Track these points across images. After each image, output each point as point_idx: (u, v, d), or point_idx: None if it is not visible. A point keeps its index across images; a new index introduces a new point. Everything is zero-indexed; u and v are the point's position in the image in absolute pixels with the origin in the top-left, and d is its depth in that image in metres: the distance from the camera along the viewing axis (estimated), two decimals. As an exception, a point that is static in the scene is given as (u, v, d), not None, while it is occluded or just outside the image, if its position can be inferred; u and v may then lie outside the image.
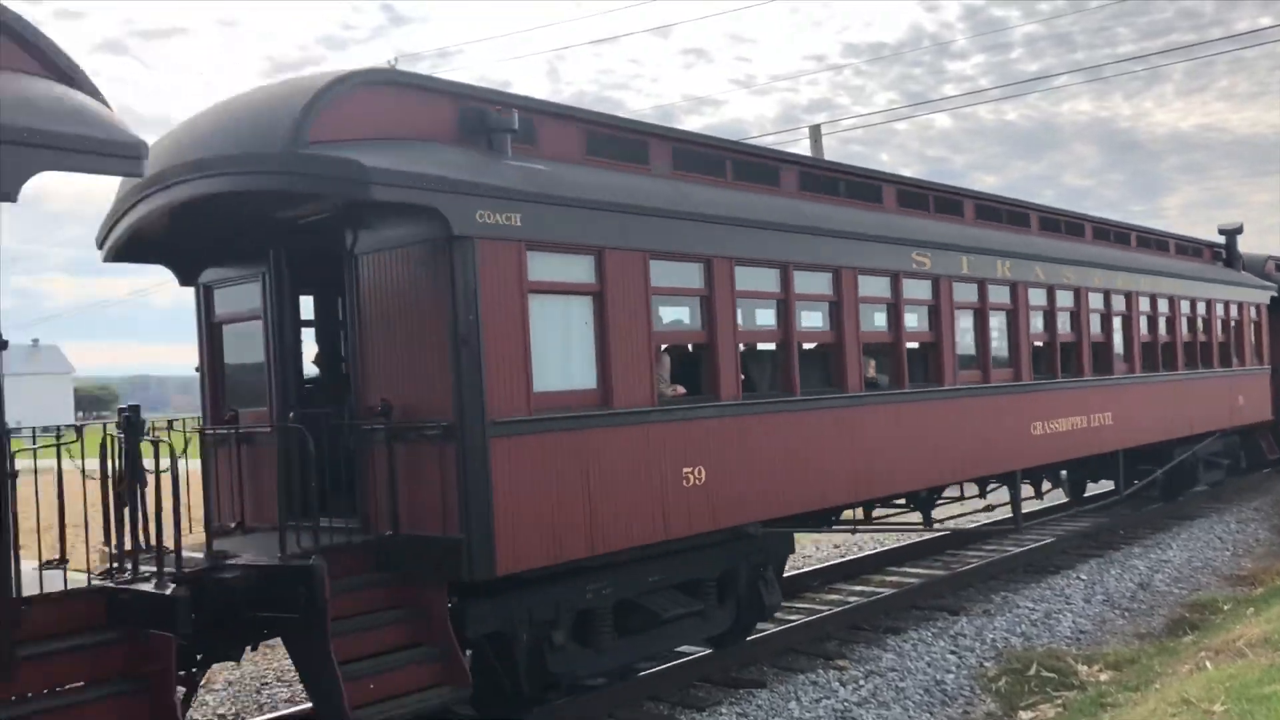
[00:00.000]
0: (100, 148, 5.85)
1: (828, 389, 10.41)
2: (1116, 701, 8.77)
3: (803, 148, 28.34)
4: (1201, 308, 18.47)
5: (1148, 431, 16.26)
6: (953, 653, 10.49)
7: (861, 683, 9.44)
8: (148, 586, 6.38)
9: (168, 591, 6.25)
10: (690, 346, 9.76)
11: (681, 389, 9.17)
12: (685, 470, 8.68)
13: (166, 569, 6.52)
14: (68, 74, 6.33)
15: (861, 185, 11.66)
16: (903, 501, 12.58)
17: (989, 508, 15.21)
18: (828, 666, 9.84)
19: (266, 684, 10.05)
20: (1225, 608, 12.18)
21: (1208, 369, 18.52)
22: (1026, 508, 14.58)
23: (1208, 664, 9.13)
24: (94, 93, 6.37)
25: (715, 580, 9.46)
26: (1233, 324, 19.75)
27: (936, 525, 13.34)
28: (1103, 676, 9.83)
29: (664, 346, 9.21)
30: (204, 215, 7.78)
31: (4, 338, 5.91)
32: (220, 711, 9.35)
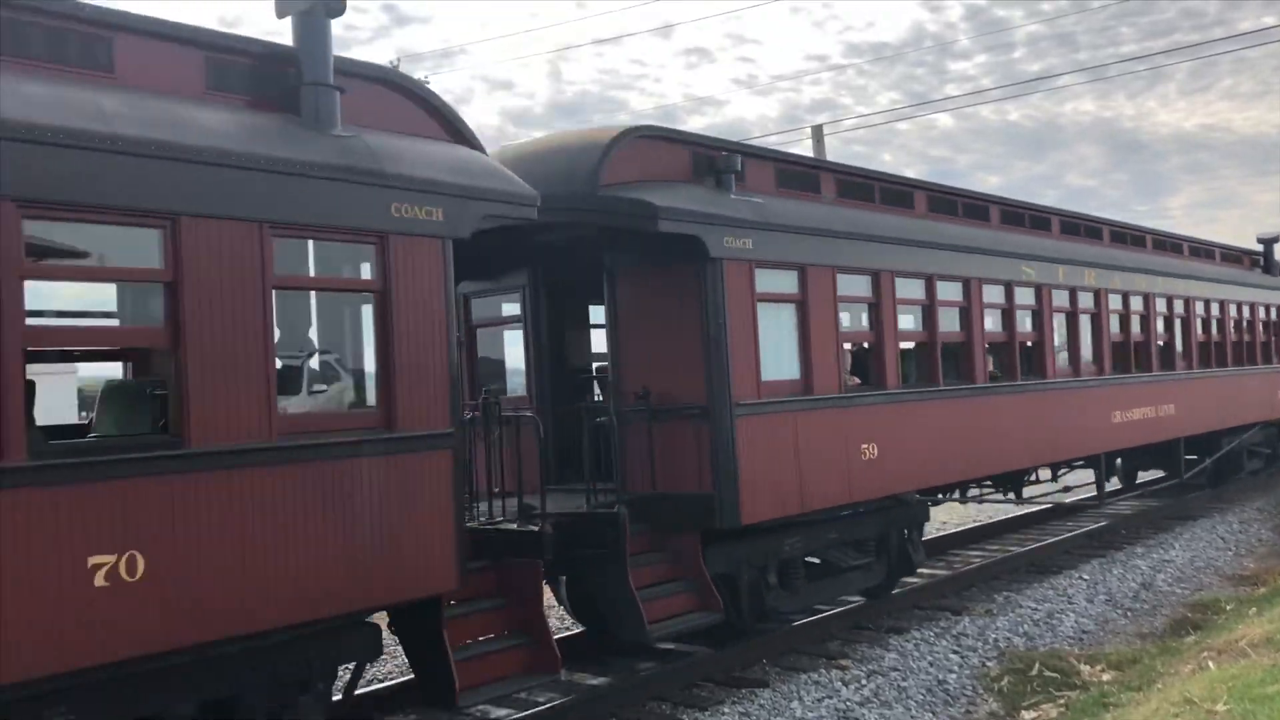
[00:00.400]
0: (511, 198, 7.66)
1: (962, 381, 12.34)
2: (1119, 701, 8.77)
3: (805, 147, 28.38)
4: (1246, 310, 20.59)
5: (1204, 421, 18.24)
6: (955, 652, 10.49)
7: (864, 682, 9.45)
8: (512, 526, 8.28)
9: (537, 529, 8.07)
10: (864, 344, 11.62)
11: (857, 380, 11.15)
12: (863, 446, 10.51)
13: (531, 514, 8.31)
14: (466, 137, 7.96)
15: (974, 206, 13.47)
16: (989, 483, 14.20)
17: (1065, 489, 17.13)
18: (830, 666, 9.85)
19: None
20: (1228, 608, 12.17)
21: (1252, 366, 20.59)
22: (1079, 494, 17.71)
23: (1210, 664, 9.13)
24: (482, 148, 8.04)
25: (875, 540, 11.30)
26: (1273, 325, 21.96)
27: (1027, 500, 15.42)
28: (1105, 676, 9.83)
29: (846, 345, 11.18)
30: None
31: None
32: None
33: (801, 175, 10.96)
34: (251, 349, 6.17)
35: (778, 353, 9.83)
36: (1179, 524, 17.58)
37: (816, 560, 10.90)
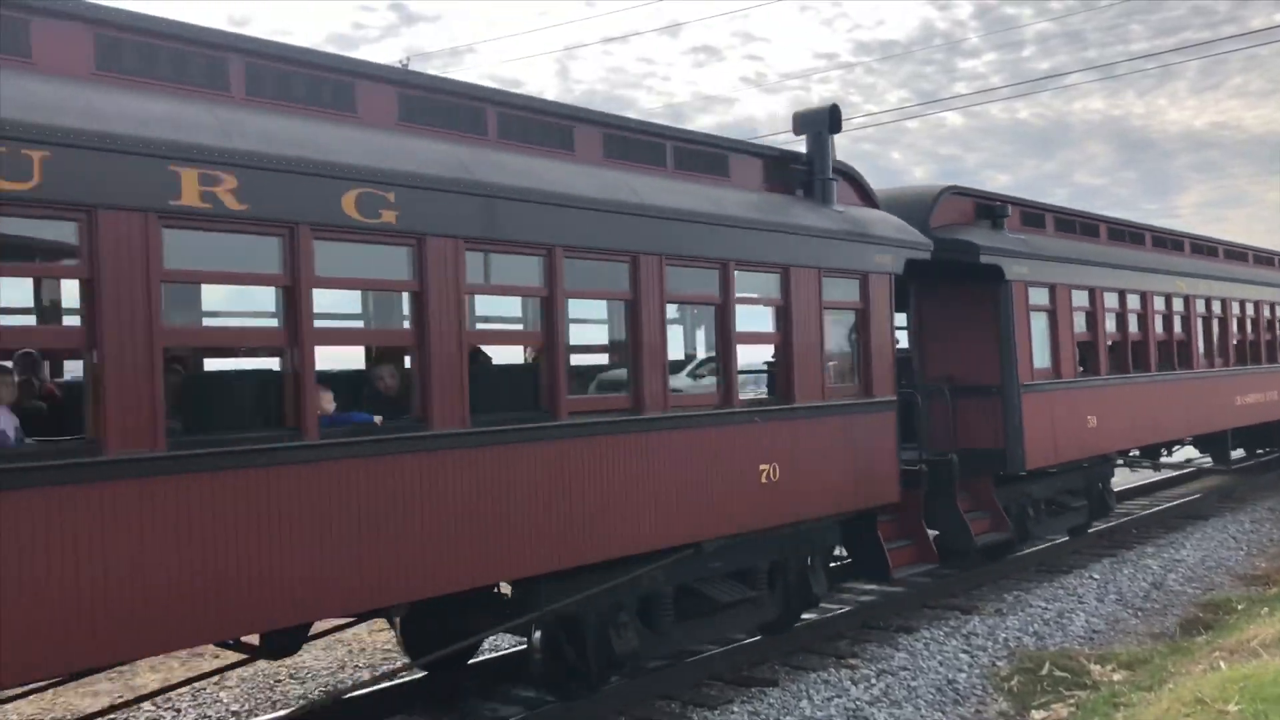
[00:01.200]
0: (919, 246, 11.33)
1: (1142, 370, 15.88)
2: (1130, 701, 8.73)
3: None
4: None
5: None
6: (965, 652, 10.47)
7: (873, 681, 9.43)
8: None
9: (919, 468, 11.66)
10: (1085, 342, 14.90)
11: (1080, 369, 14.35)
12: (1088, 417, 14.11)
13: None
14: (875, 201, 11.58)
15: (1134, 234, 17.02)
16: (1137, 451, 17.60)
17: (1187, 460, 20.92)
18: (839, 665, 9.84)
19: (280, 681, 10.09)
20: (1239, 607, 12.12)
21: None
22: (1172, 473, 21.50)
23: (1221, 664, 9.09)
24: (880, 206, 11.60)
25: (1085, 486, 15.00)
26: None
27: (1164, 465, 19.43)
28: (1116, 676, 9.79)
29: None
30: None
31: None
32: (234, 709, 9.39)
33: (1034, 215, 14.54)
34: (815, 347, 9.98)
35: (1040, 348, 13.34)
36: (1190, 523, 17.52)
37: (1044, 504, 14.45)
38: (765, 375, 11.12)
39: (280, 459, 6.13)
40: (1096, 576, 13.62)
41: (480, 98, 7.85)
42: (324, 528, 6.27)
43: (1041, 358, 13.35)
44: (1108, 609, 12.45)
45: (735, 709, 8.70)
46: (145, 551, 5.54)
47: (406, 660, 9.12)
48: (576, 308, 8.45)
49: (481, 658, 10.13)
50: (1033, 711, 9.15)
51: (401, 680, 9.46)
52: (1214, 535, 16.63)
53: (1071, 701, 9.21)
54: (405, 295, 7.44)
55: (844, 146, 46.46)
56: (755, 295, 9.57)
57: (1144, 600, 12.98)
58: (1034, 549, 14.57)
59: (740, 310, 9.22)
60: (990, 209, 13.27)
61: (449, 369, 6.92)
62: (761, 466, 9.22)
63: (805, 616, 10.77)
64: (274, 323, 6.81)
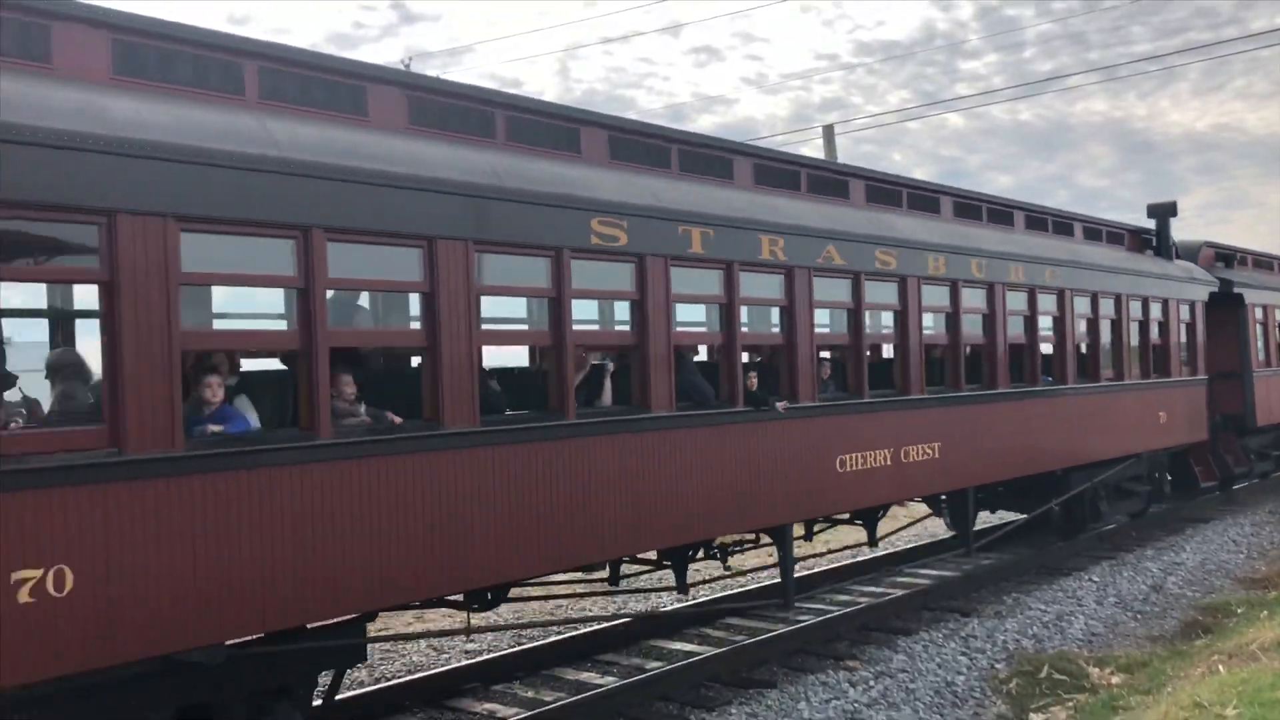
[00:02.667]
0: (1210, 282, 18.41)
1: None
2: (1128, 704, 8.72)
3: (816, 147, 28.36)
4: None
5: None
6: (964, 654, 10.46)
7: (871, 684, 9.42)
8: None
9: (1215, 419, 18.59)
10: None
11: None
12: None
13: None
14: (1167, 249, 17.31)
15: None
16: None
17: None
18: (838, 667, 9.83)
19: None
20: (1239, 611, 12.10)
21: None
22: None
23: (1220, 667, 9.08)
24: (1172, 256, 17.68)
25: (1275, 441, 21.10)
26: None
27: None
28: (1114, 679, 9.78)
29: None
30: None
31: None
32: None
33: (1230, 255, 19.90)
34: (1175, 345, 16.98)
35: (1261, 347, 19.76)
36: (1190, 526, 17.52)
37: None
38: (1152, 358, 16.35)
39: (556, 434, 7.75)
40: (1096, 579, 13.60)
41: (670, 138, 9.37)
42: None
43: (1261, 353, 19.89)
44: (1107, 612, 12.43)
45: (733, 710, 8.69)
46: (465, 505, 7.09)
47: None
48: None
49: (478, 659, 10.12)
50: (1031, 714, 9.13)
51: (398, 681, 9.46)
52: (1214, 538, 16.61)
53: (1070, 705, 9.19)
54: (628, 303, 8.62)
55: (845, 148, 46.27)
56: (1138, 316, 15.81)
57: (1143, 603, 12.97)
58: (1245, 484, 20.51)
59: (1133, 325, 15.67)
60: (1227, 258, 19.73)
61: (663, 361, 8.49)
62: (1160, 412, 16.20)
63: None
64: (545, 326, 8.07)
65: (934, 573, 13.62)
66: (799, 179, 10.55)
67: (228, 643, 6.08)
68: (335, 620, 6.76)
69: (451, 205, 6.97)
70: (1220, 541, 16.45)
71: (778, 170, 10.42)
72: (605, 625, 10.80)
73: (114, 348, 5.50)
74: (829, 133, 28.55)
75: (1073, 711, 9.02)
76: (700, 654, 10.01)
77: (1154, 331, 16.07)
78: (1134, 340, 15.64)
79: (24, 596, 5.07)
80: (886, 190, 11.68)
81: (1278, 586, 13.48)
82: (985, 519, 15.27)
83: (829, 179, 11.07)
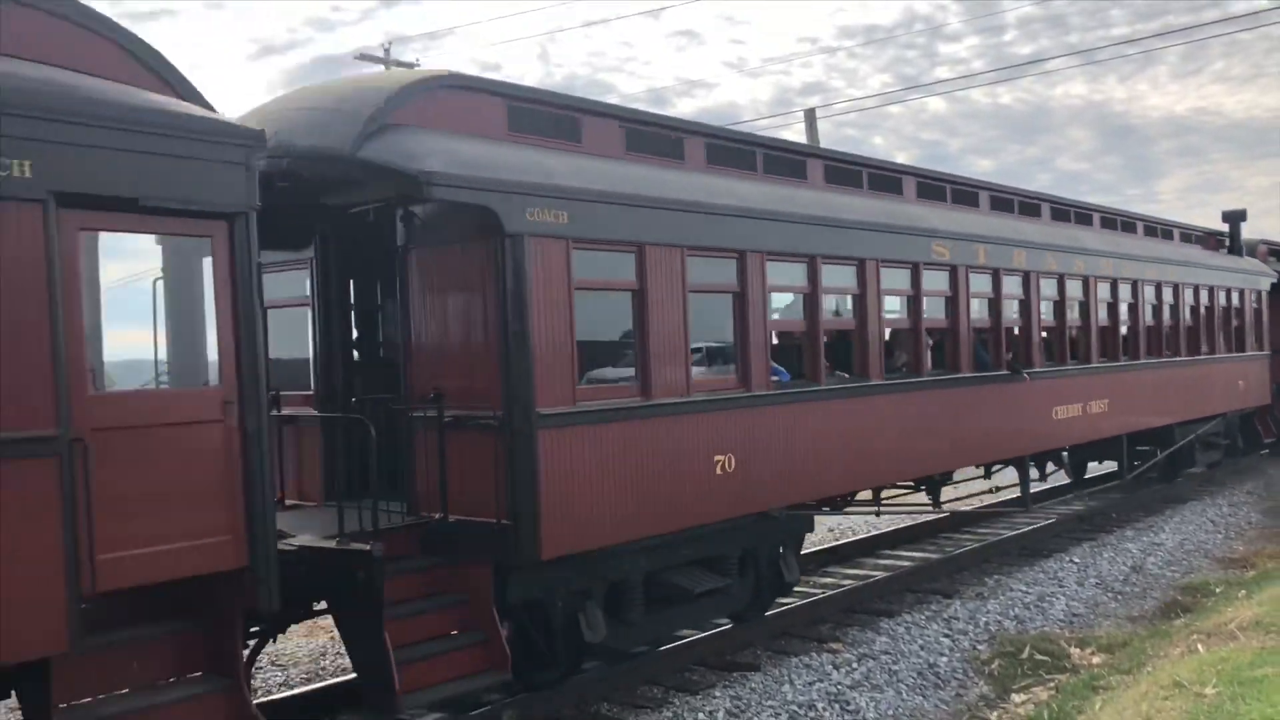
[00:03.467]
0: (1271, 274, 22.42)
1: None
2: (1109, 684, 8.80)
3: (798, 131, 28.36)
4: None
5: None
6: (946, 636, 10.52)
7: (855, 665, 9.47)
8: None
9: (1275, 386, 22.52)
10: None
11: None
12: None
13: None
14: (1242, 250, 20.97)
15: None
16: None
17: None
18: (821, 649, 9.87)
19: (260, 668, 10.05)
20: (1217, 590, 12.22)
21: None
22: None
23: (1199, 647, 9.16)
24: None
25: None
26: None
27: None
28: (1095, 659, 9.86)
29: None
30: None
31: None
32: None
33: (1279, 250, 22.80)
34: (1250, 326, 21.18)
35: None
36: (1169, 507, 17.66)
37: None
38: (1232, 337, 19.98)
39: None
40: (1077, 560, 13.70)
41: (901, 170, 12.47)
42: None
43: None
44: (1088, 593, 12.53)
45: (717, 694, 8.72)
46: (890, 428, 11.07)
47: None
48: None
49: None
50: (1013, 695, 9.20)
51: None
52: (1192, 519, 16.75)
53: (1051, 685, 9.27)
54: (943, 299, 12.22)
55: (826, 132, 46.37)
56: (1224, 304, 19.59)
57: (1123, 584, 13.07)
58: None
59: (1219, 310, 19.46)
60: (1277, 250, 22.66)
61: (965, 341, 12.39)
62: (1239, 380, 20.06)
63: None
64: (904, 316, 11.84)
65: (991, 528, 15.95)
66: (977, 198, 13.65)
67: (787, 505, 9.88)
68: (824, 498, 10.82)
69: (830, 233, 10.33)
70: (1199, 522, 16.59)
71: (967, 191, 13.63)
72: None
73: (643, 335, 8.39)
74: (811, 117, 28.54)
75: (1054, 691, 9.09)
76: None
77: (1233, 315, 20.22)
78: (1220, 322, 19.55)
79: (718, 470, 8.85)
80: (1076, 212, 16.12)
81: (1255, 566, 13.62)
82: (1093, 469, 19.54)
83: (1007, 199, 14.40)
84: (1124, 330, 16.39)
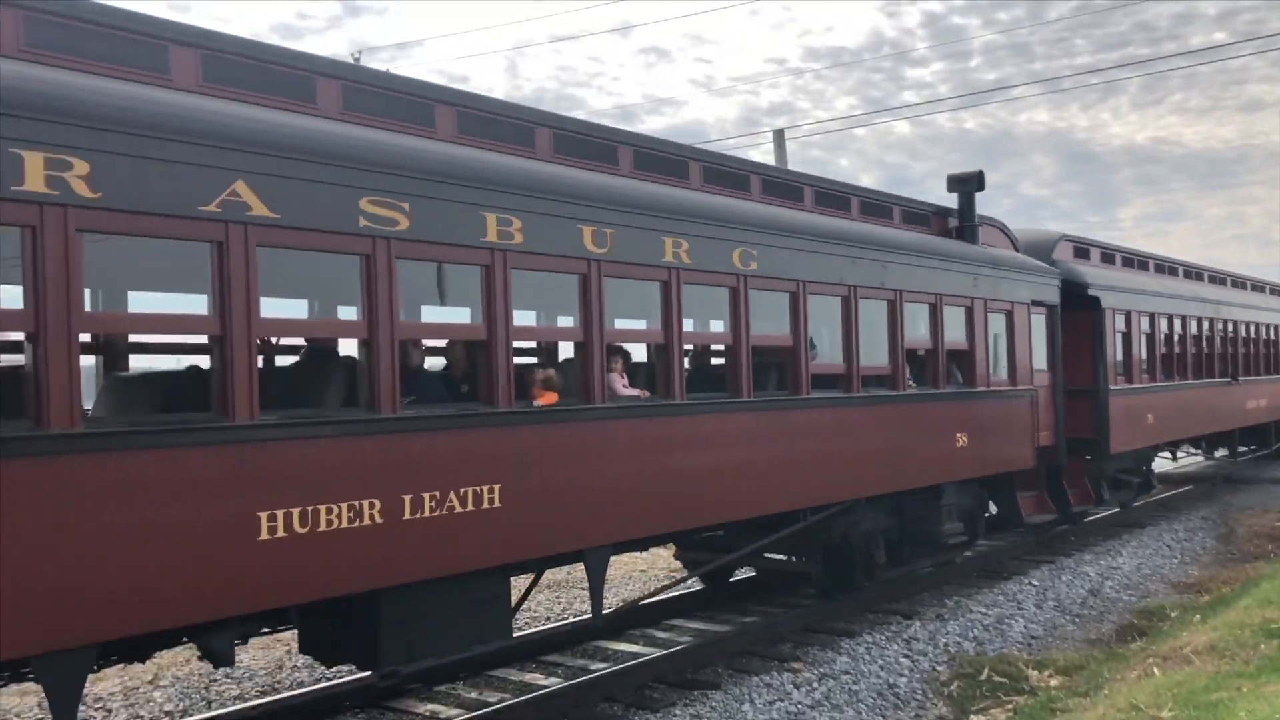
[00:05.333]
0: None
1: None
2: (1066, 707, 8.84)
3: (766, 151, 28.50)
4: None
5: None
6: (906, 656, 10.54)
7: (815, 685, 9.47)
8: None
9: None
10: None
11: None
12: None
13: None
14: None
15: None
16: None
17: None
18: (782, 669, 9.86)
19: (215, 680, 9.91)
20: (1173, 615, 12.33)
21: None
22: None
23: (1155, 670, 9.24)
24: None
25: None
26: None
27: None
28: (1053, 682, 9.92)
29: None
30: None
31: None
32: (167, 709, 9.19)
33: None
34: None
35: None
36: (1127, 531, 17.83)
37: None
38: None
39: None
40: (1036, 583, 13.80)
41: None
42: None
43: None
44: (1046, 615, 12.61)
45: (677, 712, 8.68)
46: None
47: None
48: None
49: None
50: (971, 716, 9.22)
51: (340, 681, 9.33)
52: (1149, 543, 16.93)
53: (1009, 707, 9.30)
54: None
55: (793, 153, 46.58)
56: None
57: (1081, 607, 13.17)
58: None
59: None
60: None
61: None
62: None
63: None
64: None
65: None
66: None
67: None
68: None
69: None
70: (1155, 546, 16.77)
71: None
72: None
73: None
74: (779, 138, 28.69)
75: (1012, 713, 9.12)
76: (646, 655, 9.99)
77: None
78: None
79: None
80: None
81: (1210, 591, 13.76)
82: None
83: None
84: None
